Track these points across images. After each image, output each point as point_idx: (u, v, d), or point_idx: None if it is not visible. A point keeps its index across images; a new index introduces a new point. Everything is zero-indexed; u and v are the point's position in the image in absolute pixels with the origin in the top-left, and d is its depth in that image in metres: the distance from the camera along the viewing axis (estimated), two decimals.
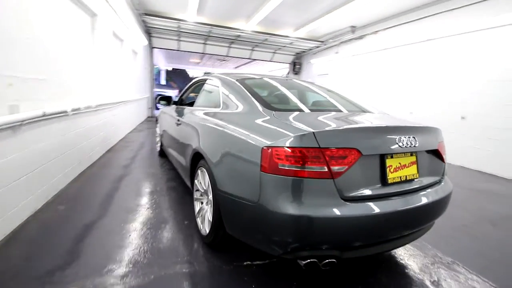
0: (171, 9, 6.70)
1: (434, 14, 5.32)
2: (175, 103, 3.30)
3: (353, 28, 7.23)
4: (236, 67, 18.80)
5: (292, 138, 1.16)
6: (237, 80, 2.02)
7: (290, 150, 1.14)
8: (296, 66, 10.75)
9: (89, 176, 3.02)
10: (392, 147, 1.29)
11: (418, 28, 5.69)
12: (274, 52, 10.38)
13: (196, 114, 2.21)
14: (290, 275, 1.52)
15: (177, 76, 23.36)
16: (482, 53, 4.53)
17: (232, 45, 9.66)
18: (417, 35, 5.73)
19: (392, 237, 1.30)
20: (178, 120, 2.56)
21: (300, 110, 1.71)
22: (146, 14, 6.78)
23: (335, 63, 8.59)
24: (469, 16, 4.67)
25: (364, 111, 1.91)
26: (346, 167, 1.16)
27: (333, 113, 1.73)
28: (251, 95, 1.73)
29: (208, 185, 1.66)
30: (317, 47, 9.09)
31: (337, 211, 1.11)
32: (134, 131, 6.36)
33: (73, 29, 2.97)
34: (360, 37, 7.39)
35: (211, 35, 8.41)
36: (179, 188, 2.82)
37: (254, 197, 1.22)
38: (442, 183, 1.53)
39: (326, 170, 1.12)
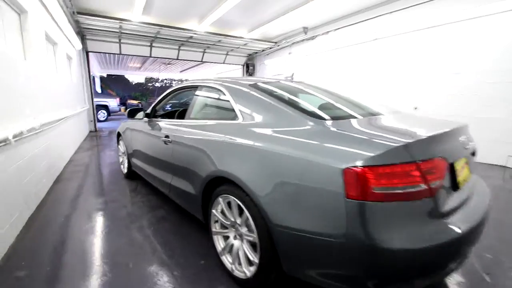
0: (111, 7, 5.85)
1: (379, 15, 5.79)
2: (147, 115, 2.80)
3: (305, 29, 7.45)
4: (182, 71, 17.89)
5: (385, 153, 0.95)
6: (249, 85, 1.74)
7: (387, 168, 0.94)
8: (249, 68, 10.66)
9: (42, 224, 2.32)
10: (459, 150, 1.22)
11: (366, 28, 6.13)
12: (227, 54, 10.09)
13: (200, 129, 1.83)
14: None
15: (115, 83, 21.08)
16: (424, 50, 5.09)
17: (182, 47, 9.03)
18: (365, 35, 6.17)
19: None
20: (167, 138, 2.13)
21: (352, 117, 1.47)
22: (80, 13, 5.78)
23: (289, 63, 8.75)
24: (410, 17, 5.20)
25: (375, 113, 1.78)
26: (440, 179, 1.02)
27: (371, 117, 1.56)
28: (283, 102, 1.48)
29: (246, 217, 1.35)
30: (270, 48, 9.14)
31: (445, 234, 0.96)
32: (80, 150, 5.37)
33: None
34: (312, 38, 7.67)
35: (159, 36, 7.68)
36: (171, 217, 2.37)
37: (338, 230, 0.99)
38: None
39: (426, 187, 0.97)
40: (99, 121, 11.13)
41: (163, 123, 2.41)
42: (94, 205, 2.64)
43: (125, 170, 3.46)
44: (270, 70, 9.78)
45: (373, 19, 5.91)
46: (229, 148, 1.50)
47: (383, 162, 0.95)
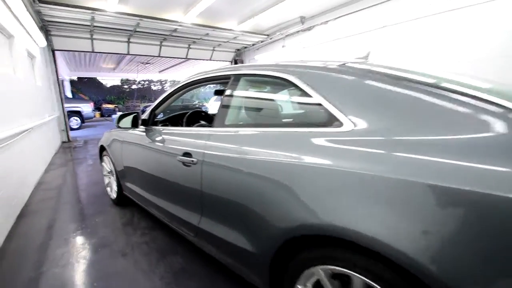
0: None
1: (387, 0, 5.32)
2: (144, 122, 2.05)
3: (303, 19, 6.86)
4: (161, 71, 16.80)
5: None
6: (353, 71, 1.03)
7: None
8: (237, 64, 9.94)
9: None
10: None
11: (372, 15, 5.65)
12: (213, 50, 9.29)
13: (261, 145, 1.10)
14: None
15: (87, 87, 19.42)
16: (442, 35, 4.67)
17: (165, 43, 8.12)
18: (371, 22, 5.69)
19: None
20: (188, 156, 1.41)
21: None
22: (42, 1, 4.78)
23: (283, 57, 8.15)
24: (422, 2, 4.76)
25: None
26: None
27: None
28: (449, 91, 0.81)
29: None
30: (262, 41, 8.48)
31: None
32: (52, 167, 4.41)
33: None
34: (309, 29, 7.10)
35: (138, 30, 6.75)
36: (196, 267, 1.66)
37: None
38: None
39: None
40: (72, 129, 9.91)
41: (175, 133, 1.69)
42: (74, 257, 1.86)
43: (114, 195, 2.66)
44: None
45: (381, 4, 5.43)
46: (341, 181, 0.81)
47: None
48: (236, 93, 1.42)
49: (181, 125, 2.35)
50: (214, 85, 2.06)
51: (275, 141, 1.06)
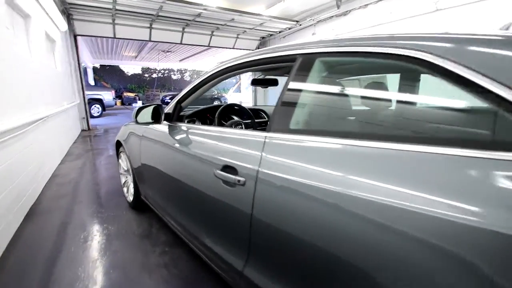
0: None
1: None
2: (167, 117, 1.65)
3: (338, 2, 6.17)
4: (181, 60, 16.55)
5: None
6: None
7: None
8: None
9: None
10: None
11: None
12: (237, 37, 8.79)
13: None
14: None
15: (109, 75, 19.61)
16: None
17: (187, 29, 7.73)
18: (420, 6, 4.96)
19: None
20: (236, 177, 0.94)
21: None
22: None
23: None
24: None
25: None
26: None
27: None
28: None
29: None
30: (290, 28, 7.87)
31: None
32: (69, 158, 4.20)
33: None
34: (345, 14, 6.42)
35: (160, 14, 6.38)
36: None
37: None
38: None
39: None
40: (93, 117, 9.89)
41: (209, 134, 1.26)
42: (81, 281, 1.51)
43: (131, 198, 2.32)
44: None
45: None
46: None
47: None
48: (308, 83, 0.94)
49: (212, 123, 1.93)
50: (255, 72, 1.61)
51: (403, 168, 0.60)
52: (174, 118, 1.65)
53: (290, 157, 0.82)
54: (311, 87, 0.95)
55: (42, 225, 2.12)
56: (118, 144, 2.41)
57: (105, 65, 19.12)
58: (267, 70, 1.53)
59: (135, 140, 1.98)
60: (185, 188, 1.34)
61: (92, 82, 16.39)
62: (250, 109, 2.13)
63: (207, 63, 17.08)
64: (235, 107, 2.07)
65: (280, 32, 8.36)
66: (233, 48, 9.16)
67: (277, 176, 0.82)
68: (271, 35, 8.81)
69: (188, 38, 8.13)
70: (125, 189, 2.50)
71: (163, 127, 1.64)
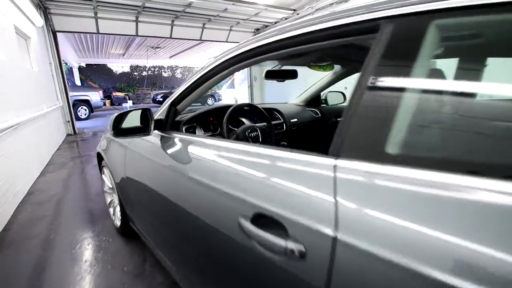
0: None
1: None
2: (159, 125, 1.23)
3: None
4: (171, 56, 15.92)
5: None
6: None
7: None
8: None
9: None
10: None
11: None
12: (230, 29, 8.30)
13: None
14: None
15: (96, 74, 18.78)
16: None
17: (177, 22, 7.20)
18: None
19: None
20: (299, 246, 0.52)
21: None
22: None
23: None
24: None
25: None
26: None
27: None
28: None
29: None
30: (286, 18, 7.42)
31: None
32: (50, 168, 3.72)
33: None
34: (346, 0, 6.01)
35: (147, 5, 5.85)
36: None
37: None
38: None
39: None
40: (80, 119, 9.32)
41: (227, 155, 0.84)
42: None
43: (118, 222, 1.90)
44: None
45: None
46: None
47: None
48: (419, 70, 0.48)
49: (216, 129, 1.52)
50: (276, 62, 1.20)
51: None
52: (168, 126, 1.23)
53: (394, 209, 0.42)
54: (425, 80, 0.51)
55: (8, 263, 1.69)
56: (99, 157, 1.97)
57: (91, 64, 18.30)
58: (297, 56, 1.11)
59: (117, 150, 1.56)
60: (188, 234, 0.93)
61: (78, 83, 15.68)
62: (264, 108, 1.72)
63: (199, 59, 16.47)
64: (245, 107, 1.65)
65: (275, 22, 7.89)
66: (227, 41, 8.67)
67: (376, 249, 0.42)
68: (266, 26, 8.34)
69: (178, 32, 7.60)
70: (111, 210, 2.07)
71: (154, 138, 1.22)
